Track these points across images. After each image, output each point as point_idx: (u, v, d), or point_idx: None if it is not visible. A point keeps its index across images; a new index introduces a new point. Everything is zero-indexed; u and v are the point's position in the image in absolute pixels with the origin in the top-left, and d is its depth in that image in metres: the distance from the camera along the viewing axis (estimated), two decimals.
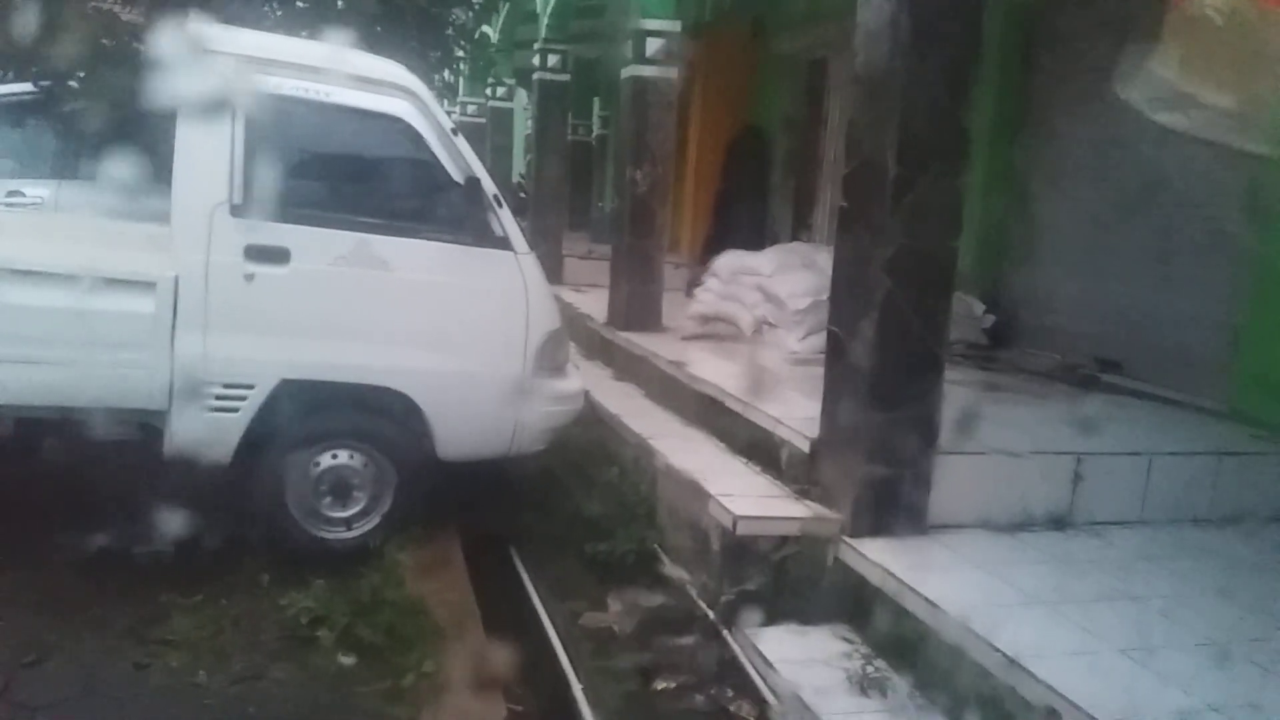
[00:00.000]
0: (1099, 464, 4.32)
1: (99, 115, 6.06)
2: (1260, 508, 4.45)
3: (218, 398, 4.08)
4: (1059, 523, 4.21)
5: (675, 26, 7.29)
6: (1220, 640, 3.27)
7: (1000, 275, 7.21)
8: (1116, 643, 3.19)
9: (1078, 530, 4.20)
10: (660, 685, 3.66)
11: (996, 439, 4.38)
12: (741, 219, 10.83)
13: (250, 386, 4.10)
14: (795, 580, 3.95)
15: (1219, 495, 4.44)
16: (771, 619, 3.85)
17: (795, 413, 4.63)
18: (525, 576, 4.56)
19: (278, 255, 4.11)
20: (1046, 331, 6.76)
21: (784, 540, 3.97)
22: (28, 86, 6.46)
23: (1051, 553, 3.96)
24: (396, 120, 4.32)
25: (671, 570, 4.46)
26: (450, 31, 8.32)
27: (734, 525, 3.98)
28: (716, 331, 7.10)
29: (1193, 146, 5.23)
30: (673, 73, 7.38)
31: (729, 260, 7.26)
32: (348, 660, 3.58)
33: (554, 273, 8.68)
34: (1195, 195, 5.66)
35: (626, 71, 7.43)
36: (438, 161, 4.34)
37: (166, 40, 4.35)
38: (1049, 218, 6.90)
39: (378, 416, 4.34)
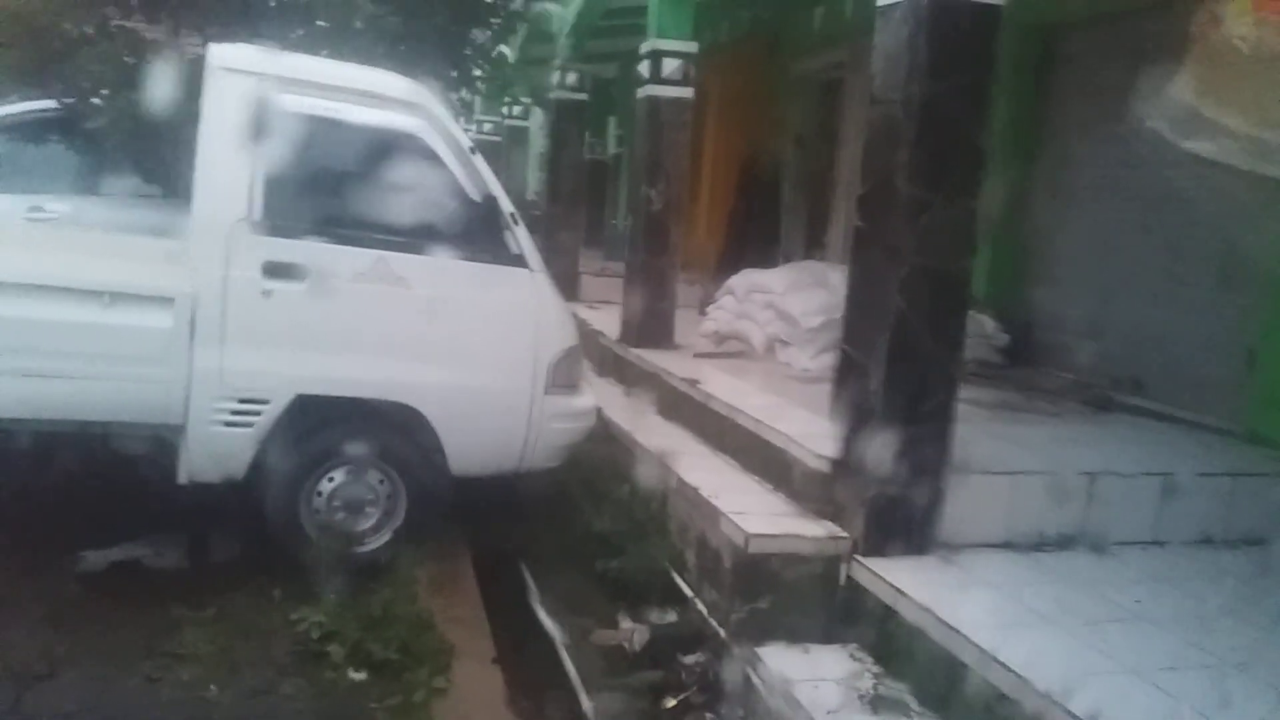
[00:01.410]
0: (1113, 484, 4.29)
1: (120, 132, 6.14)
2: (1275, 529, 4.41)
3: (233, 412, 4.11)
4: (1073, 542, 4.18)
5: (691, 47, 7.33)
6: (1236, 661, 3.24)
7: (1015, 295, 7.19)
8: (1130, 664, 3.17)
9: (1092, 550, 4.17)
10: (670, 703, 3.66)
11: (1010, 459, 4.37)
12: (755, 237, 10.86)
13: (266, 401, 4.13)
14: (807, 599, 3.93)
15: (1233, 516, 4.41)
16: (783, 637, 3.83)
17: (807, 431, 4.63)
18: (536, 593, 4.56)
19: (295, 271, 4.14)
20: (1061, 351, 6.73)
21: (796, 558, 3.96)
22: (51, 103, 6.55)
23: (1065, 573, 3.94)
24: (414, 138, 4.37)
25: (683, 588, 4.45)
26: (469, 51, 8.39)
27: (746, 543, 3.97)
28: (729, 349, 7.11)
29: (1209, 169, 5.22)
30: (688, 93, 7.41)
31: (742, 278, 7.28)
32: (358, 675, 3.58)
33: (568, 289, 8.71)
34: (1211, 217, 5.64)
35: (642, 91, 7.47)
36: (454, 179, 4.38)
37: (188, 58, 4.41)
38: (1065, 238, 6.89)
39: (391, 431, 4.36)
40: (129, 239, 5.31)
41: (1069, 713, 2.81)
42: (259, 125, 4.15)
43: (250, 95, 4.16)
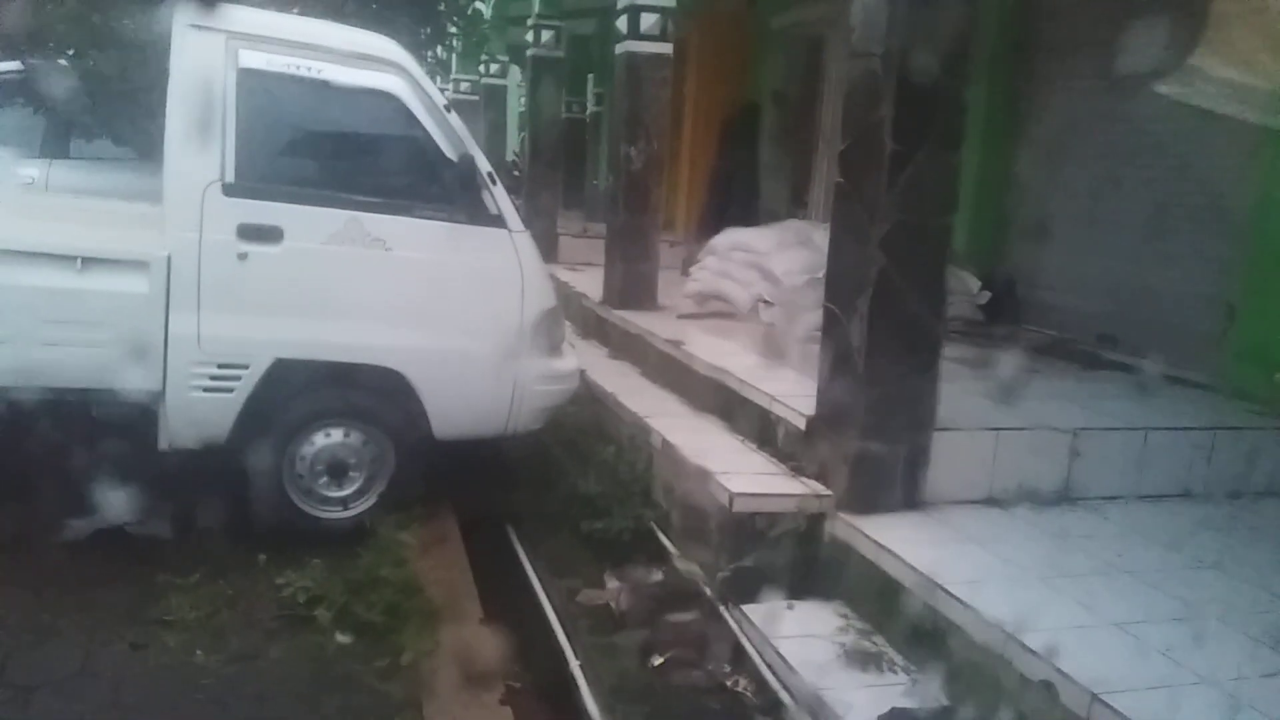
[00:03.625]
0: (1095, 439, 4.33)
1: (89, 94, 6.01)
2: (1254, 482, 4.47)
3: (212, 378, 4.07)
4: (1055, 498, 4.22)
5: (670, 1, 7.22)
6: (1214, 613, 3.28)
7: (997, 251, 7.20)
8: (1111, 616, 3.21)
9: (1074, 505, 4.21)
10: (658, 661, 3.68)
11: (992, 415, 4.39)
12: (737, 196, 10.77)
13: (245, 366, 4.09)
14: (792, 556, 3.96)
15: (1214, 470, 4.46)
16: (769, 595, 3.86)
17: (791, 390, 4.63)
18: (522, 555, 4.57)
19: (271, 234, 4.08)
20: (1043, 308, 6.76)
21: (781, 517, 3.98)
22: (16, 65, 6.40)
23: (1047, 527, 3.97)
24: (388, 97, 4.28)
25: (668, 548, 4.47)
26: (442, 7, 8.24)
27: (731, 502, 3.98)
28: (713, 309, 7.09)
29: (1188, 121, 5.22)
30: (667, 49, 7.32)
31: (725, 238, 7.24)
32: (345, 639, 3.58)
33: (548, 251, 8.65)
34: (1190, 171, 5.65)
35: (621, 47, 7.37)
36: (430, 139, 4.31)
37: (156, 17, 4.30)
38: (1047, 194, 6.88)
39: (373, 395, 4.32)
40: (101, 203, 5.22)
41: (1052, 665, 2.84)
42: (231, 85, 4.07)
43: (220, 53, 4.07)
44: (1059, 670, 2.82)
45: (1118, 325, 6.13)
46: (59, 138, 6.68)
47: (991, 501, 4.16)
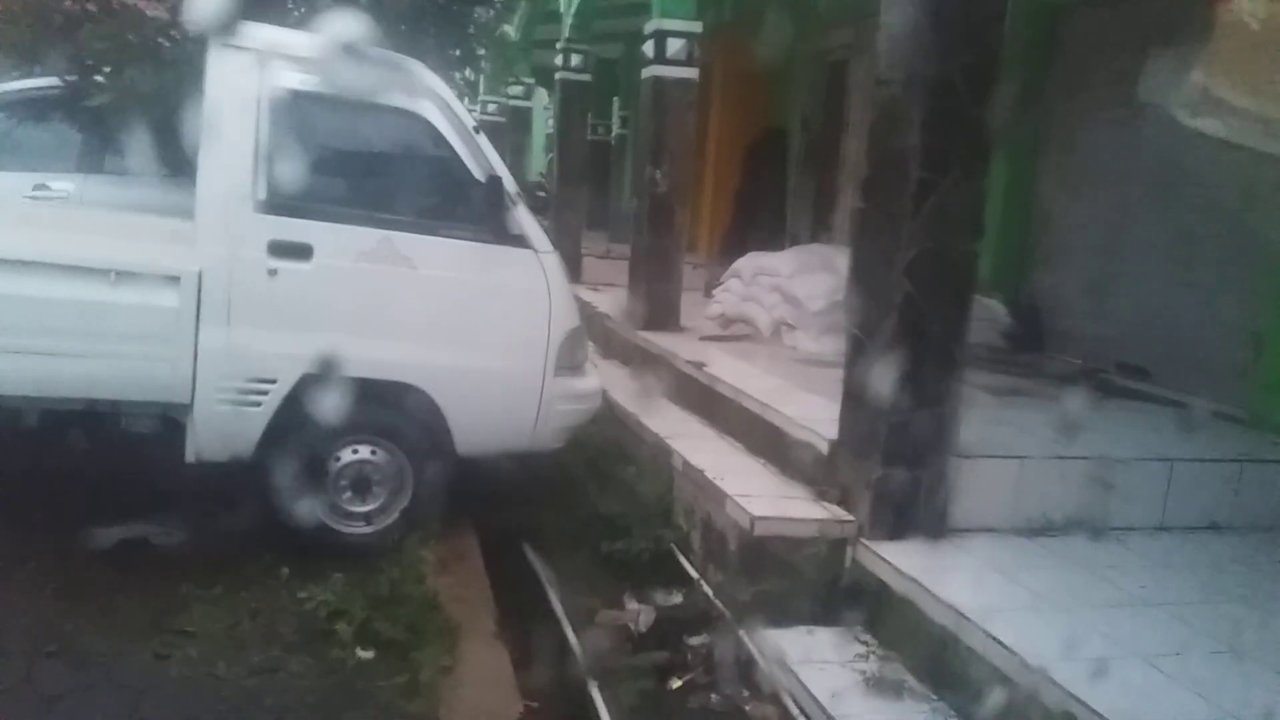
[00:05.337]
0: (1120, 469, 4.29)
1: (124, 110, 6.11)
2: None
3: (240, 392, 4.11)
4: (1078, 528, 4.18)
5: (696, 27, 7.28)
6: (1240, 647, 3.24)
7: (1022, 279, 7.17)
8: (1135, 649, 3.17)
9: (1099, 535, 4.17)
10: (676, 684, 3.67)
11: (1016, 443, 4.36)
12: (760, 220, 10.83)
13: (273, 381, 4.13)
14: (812, 581, 3.94)
15: (1240, 502, 4.41)
16: (788, 620, 3.84)
17: (813, 414, 4.62)
18: (542, 573, 4.57)
19: (301, 251, 4.13)
20: (1067, 336, 6.72)
21: (801, 541, 3.97)
22: (54, 81, 6.51)
23: (1070, 558, 3.94)
24: (418, 118, 4.34)
25: (688, 569, 4.46)
26: (471, 30, 8.34)
27: (751, 526, 3.98)
28: (735, 332, 7.11)
29: (1216, 152, 5.20)
30: (693, 73, 7.37)
31: (748, 261, 7.27)
32: (365, 654, 3.59)
33: (572, 271, 8.67)
34: (1218, 201, 5.62)
35: (647, 71, 7.43)
36: (459, 159, 4.35)
37: (191, 36, 4.37)
38: (1072, 222, 6.86)
39: (398, 412, 4.35)
40: (134, 217, 5.29)
41: (1072, 696, 2.82)
42: (264, 104, 4.13)
43: (254, 73, 4.14)
44: (1081, 702, 2.79)
45: (1143, 355, 6.09)
46: (94, 153, 6.78)
47: (1016, 530, 4.12)
